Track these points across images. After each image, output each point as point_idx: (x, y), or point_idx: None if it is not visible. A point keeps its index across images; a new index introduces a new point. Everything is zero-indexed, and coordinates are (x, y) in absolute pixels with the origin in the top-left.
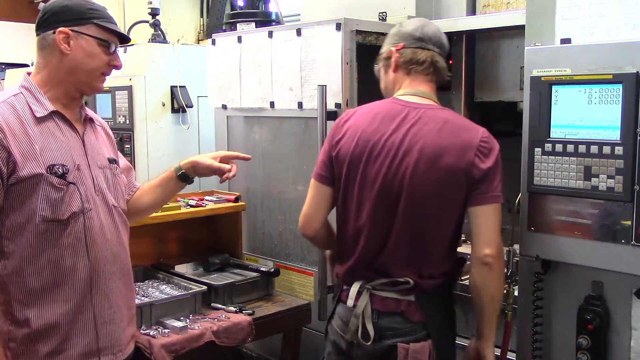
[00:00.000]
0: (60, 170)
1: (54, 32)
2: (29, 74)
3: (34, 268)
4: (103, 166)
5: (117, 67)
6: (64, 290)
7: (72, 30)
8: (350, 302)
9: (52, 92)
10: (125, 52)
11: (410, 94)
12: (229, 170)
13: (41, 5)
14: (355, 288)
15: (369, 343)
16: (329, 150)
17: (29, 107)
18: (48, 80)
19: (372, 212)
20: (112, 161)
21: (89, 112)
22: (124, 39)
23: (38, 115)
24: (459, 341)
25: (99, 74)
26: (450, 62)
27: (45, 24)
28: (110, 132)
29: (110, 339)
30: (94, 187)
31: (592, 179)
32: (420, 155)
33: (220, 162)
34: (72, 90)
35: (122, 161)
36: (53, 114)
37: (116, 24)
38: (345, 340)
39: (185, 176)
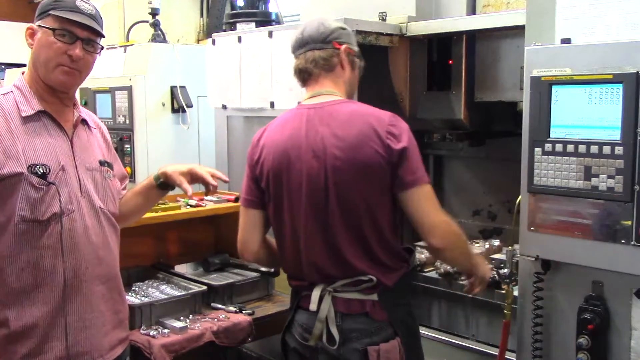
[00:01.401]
0: (40, 170)
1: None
2: (23, 73)
3: (14, 268)
4: (92, 168)
5: (72, 57)
6: (43, 292)
7: (37, 25)
8: (313, 307)
9: (34, 89)
10: (125, 52)
11: (311, 96)
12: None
13: None
14: (317, 292)
15: (334, 347)
16: (251, 172)
17: (17, 106)
18: (29, 78)
19: (306, 219)
20: (104, 164)
21: (85, 113)
22: (93, 30)
23: (24, 114)
24: (422, 331)
25: (55, 64)
26: (450, 62)
27: None
28: (108, 136)
29: (89, 343)
30: (79, 189)
31: (592, 179)
32: (335, 151)
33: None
34: (44, 86)
35: (119, 168)
36: (41, 114)
37: (83, 13)
38: (309, 346)
39: (164, 184)
